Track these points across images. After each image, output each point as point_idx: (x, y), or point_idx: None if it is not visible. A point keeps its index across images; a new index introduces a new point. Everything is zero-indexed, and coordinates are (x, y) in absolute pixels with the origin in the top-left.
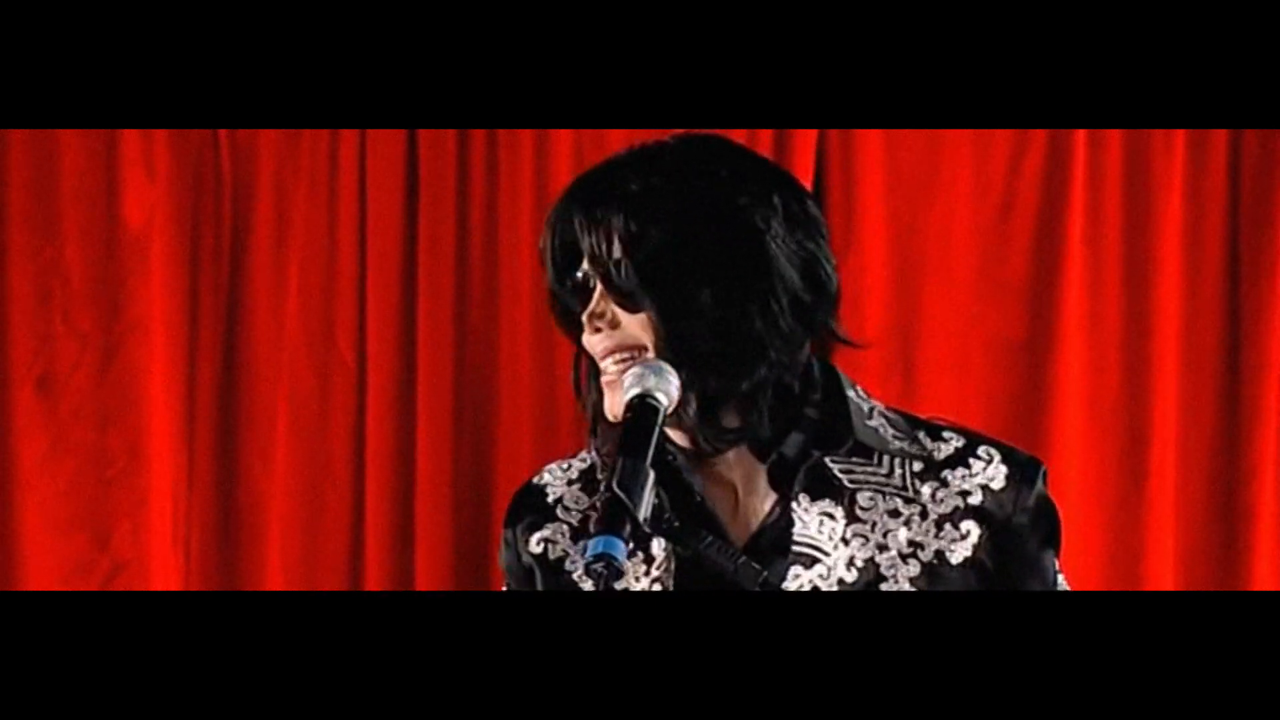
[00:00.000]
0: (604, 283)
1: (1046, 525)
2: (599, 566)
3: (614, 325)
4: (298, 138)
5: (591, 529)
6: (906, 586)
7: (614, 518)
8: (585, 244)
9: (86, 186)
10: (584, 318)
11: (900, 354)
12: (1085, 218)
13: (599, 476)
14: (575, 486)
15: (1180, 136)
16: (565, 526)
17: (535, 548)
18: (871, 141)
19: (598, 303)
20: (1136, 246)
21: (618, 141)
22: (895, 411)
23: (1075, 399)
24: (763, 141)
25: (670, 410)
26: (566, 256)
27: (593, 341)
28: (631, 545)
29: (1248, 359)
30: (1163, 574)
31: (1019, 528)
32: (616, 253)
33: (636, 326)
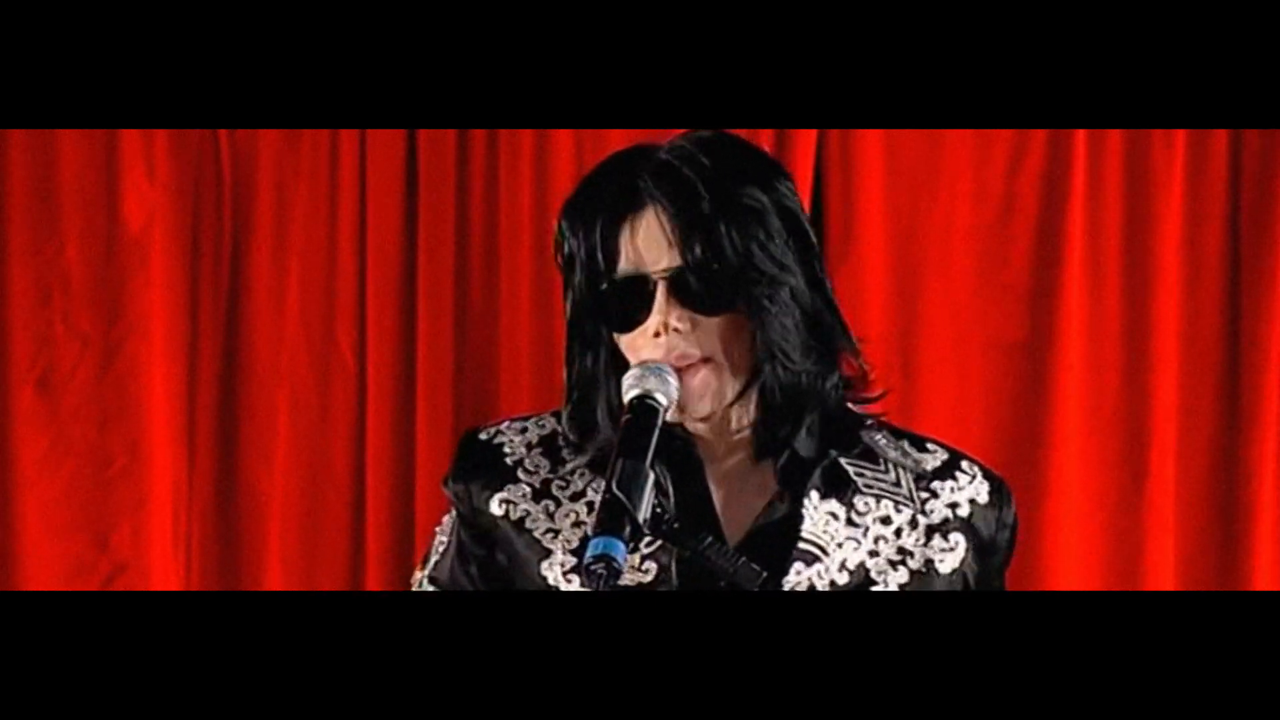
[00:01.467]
0: (686, 285)
1: (1013, 544)
2: (599, 568)
3: (690, 329)
4: (298, 138)
5: (591, 530)
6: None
7: (614, 519)
8: (665, 244)
9: (86, 187)
10: (654, 324)
11: (900, 354)
12: (1085, 218)
13: (560, 444)
14: (537, 451)
15: (1180, 136)
16: (526, 488)
17: (497, 509)
18: (871, 142)
19: (666, 308)
20: (1137, 247)
21: (618, 141)
22: (875, 419)
23: (1075, 399)
24: (763, 142)
25: (670, 410)
26: (608, 257)
27: (652, 345)
28: (631, 546)
29: (1248, 359)
30: (1162, 574)
31: (999, 544)
32: (702, 252)
33: (708, 332)
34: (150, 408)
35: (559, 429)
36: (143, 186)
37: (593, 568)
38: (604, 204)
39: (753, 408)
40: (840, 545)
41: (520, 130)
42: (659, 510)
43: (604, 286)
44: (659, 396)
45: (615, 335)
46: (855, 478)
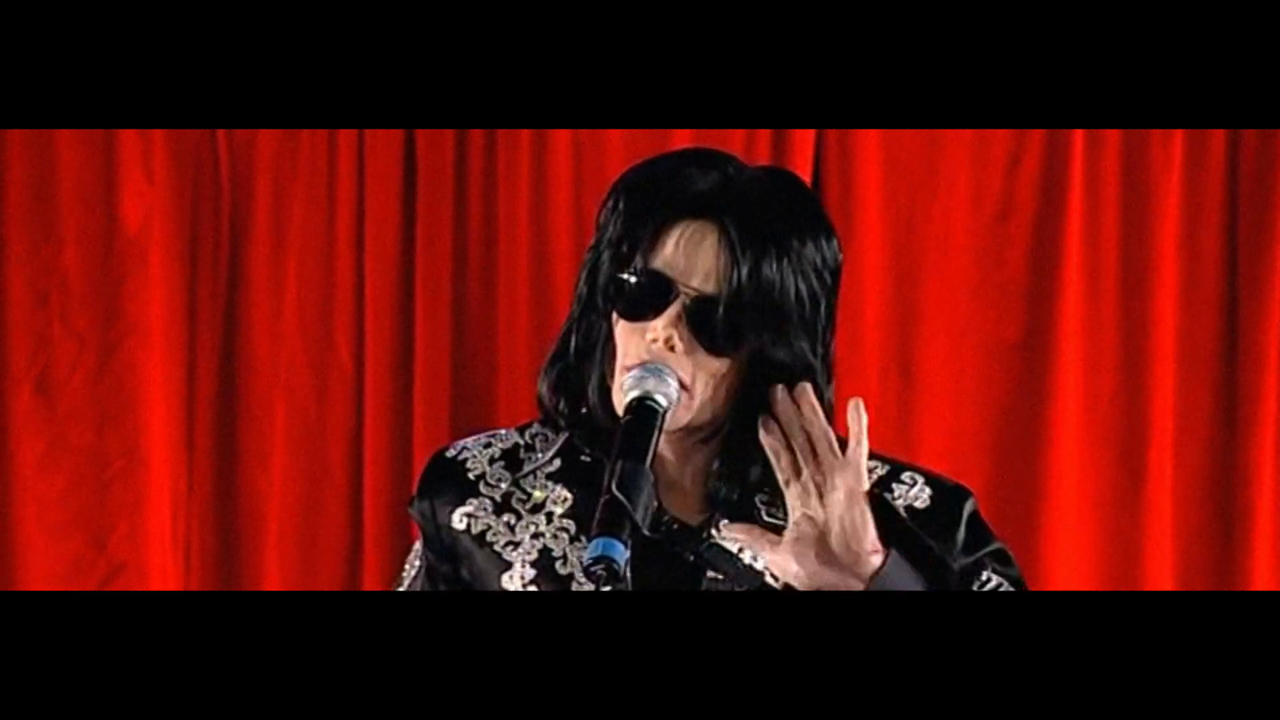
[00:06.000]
0: (704, 316)
1: (978, 532)
2: (598, 569)
3: (684, 353)
4: (296, 138)
5: (591, 531)
6: None
7: (614, 520)
8: (706, 265)
9: (85, 187)
10: (656, 331)
11: (898, 355)
12: (1083, 218)
13: (522, 456)
14: (499, 465)
15: (1178, 137)
16: (488, 502)
17: (459, 524)
18: (870, 142)
19: (674, 325)
20: (1134, 247)
21: (617, 141)
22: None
23: (1073, 399)
24: (761, 141)
25: (670, 412)
26: (651, 246)
27: (642, 345)
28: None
29: (1245, 359)
30: (1161, 574)
31: (954, 540)
32: (741, 287)
33: (699, 364)
34: (148, 408)
35: (521, 442)
36: (141, 187)
37: (592, 569)
38: (674, 199)
39: (711, 453)
40: (775, 577)
41: (518, 130)
42: (659, 511)
43: (633, 270)
44: (659, 398)
45: (615, 317)
46: (761, 506)
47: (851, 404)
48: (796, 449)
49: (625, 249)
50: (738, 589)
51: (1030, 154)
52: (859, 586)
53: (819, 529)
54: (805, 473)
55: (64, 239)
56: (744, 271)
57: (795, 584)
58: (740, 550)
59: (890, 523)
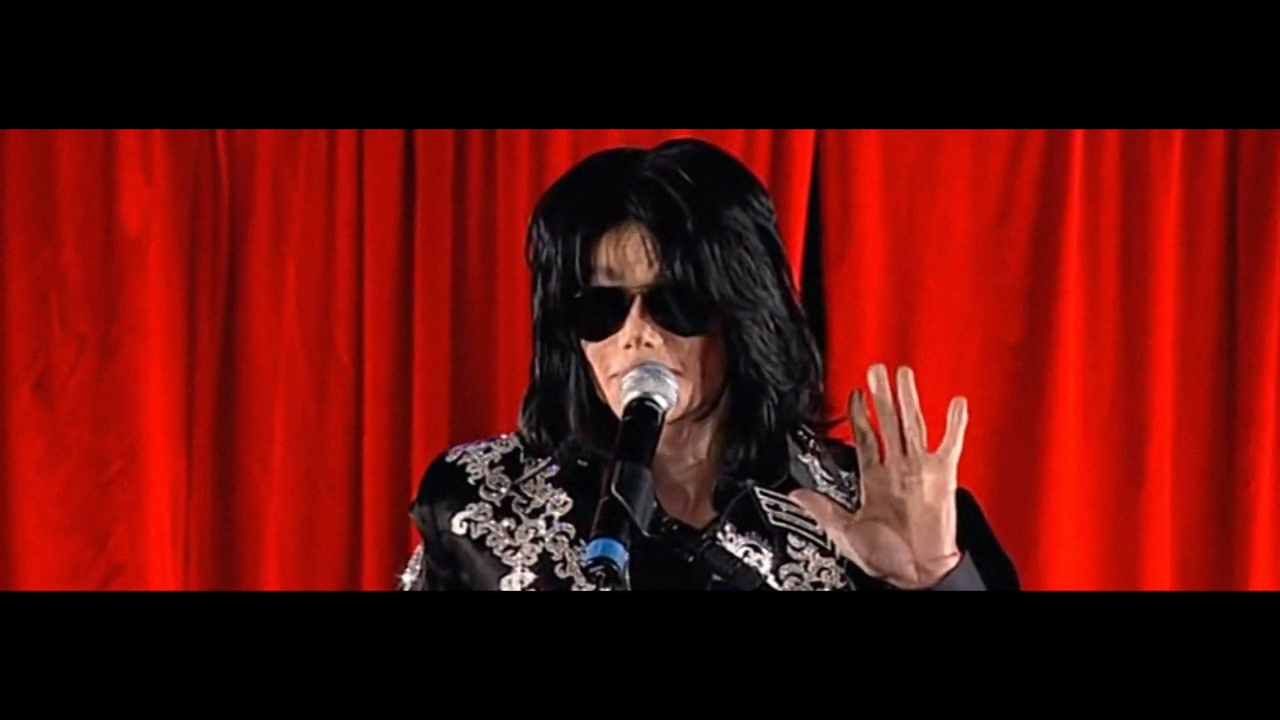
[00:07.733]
0: (663, 304)
1: (968, 516)
2: (598, 570)
3: (662, 344)
4: (295, 138)
5: (590, 532)
6: None
7: (613, 521)
8: (645, 261)
9: (84, 187)
10: (627, 336)
11: (897, 355)
12: (1083, 218)
13: (522, 460)
14: (499, 469)
15: (1178, 137)
16: (487, 506)
17: (459, 528)
18: (869, 142)
19: (640, 323)
20: (1134, 247)
21: (615, 141)
22: (836, 444)
23: (1072, 400)
24: (761, 141)
25: (670, 413)
26: (585, 266)
27: (622, 356)
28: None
29: (1244, 359)
30: (1160, 574)
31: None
32: (683, 273)
33: (680, 347)
34: (147, 408)
35: (521, 447)
36: (140, 187)
37: (591, 569)
38: (585, 213)
39: (711, 429)
40: (780, 581)
41: (517, 130)
42: (657, 512)
43: (578, 295)
44: (658, 399)
45: (584, 343)
46: (768, 510)
47: (953, 402)
48: (885, 436)
49: (564, 277)
50: (738, 589)
51: (1030, 154)
52: (928, 583)
53: (896, 515)
54: (890, 459)
55: (64, 239)
56: (679, 258)
57: (861, 564)
58: (746, 554)
59: (967, 525)
